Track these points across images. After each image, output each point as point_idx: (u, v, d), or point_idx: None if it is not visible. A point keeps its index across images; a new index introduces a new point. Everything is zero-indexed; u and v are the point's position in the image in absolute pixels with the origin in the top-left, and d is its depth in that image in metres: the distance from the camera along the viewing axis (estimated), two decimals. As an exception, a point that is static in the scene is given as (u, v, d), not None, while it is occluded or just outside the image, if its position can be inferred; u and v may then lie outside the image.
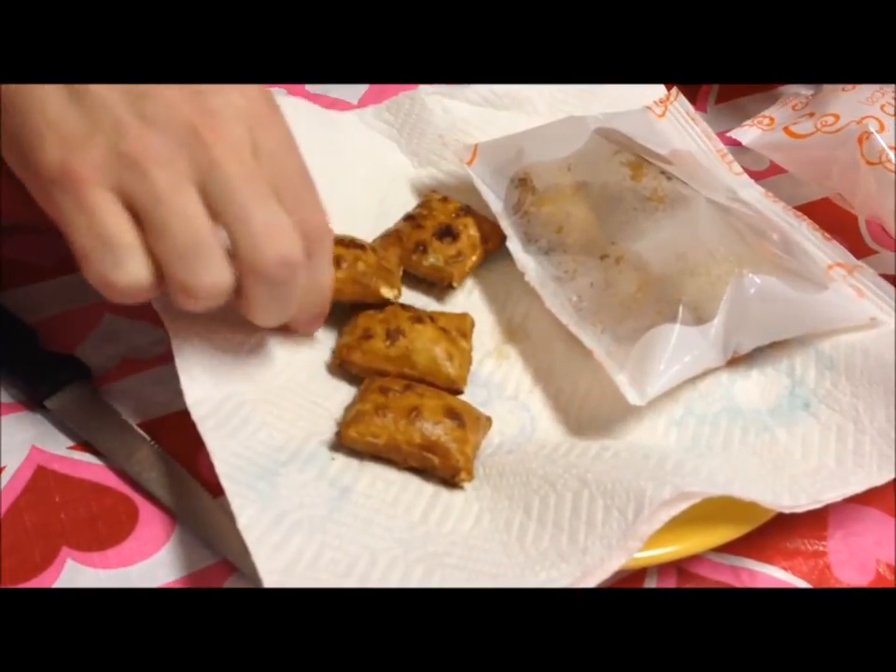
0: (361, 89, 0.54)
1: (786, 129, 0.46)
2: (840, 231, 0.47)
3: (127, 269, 0.29)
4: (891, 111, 0.45)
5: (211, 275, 0.30)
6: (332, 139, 0.45)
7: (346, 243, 0.39)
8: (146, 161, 0.28)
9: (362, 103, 0.53)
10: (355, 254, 0.38)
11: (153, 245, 0.29)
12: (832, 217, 0.48)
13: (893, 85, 0.46)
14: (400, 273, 0.40)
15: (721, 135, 0.51)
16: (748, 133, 0.48)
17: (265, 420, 0.34)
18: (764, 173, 0.49)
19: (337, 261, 0.37)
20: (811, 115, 0.47)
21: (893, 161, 0.43)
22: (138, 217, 0.29)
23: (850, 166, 0.45)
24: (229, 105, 0.30)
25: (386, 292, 0.38)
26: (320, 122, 0.46)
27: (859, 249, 0.46)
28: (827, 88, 0.49)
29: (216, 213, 0.29)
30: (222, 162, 0.29)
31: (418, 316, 0.38)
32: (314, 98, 0.53)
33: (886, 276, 0.44)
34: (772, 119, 0.48)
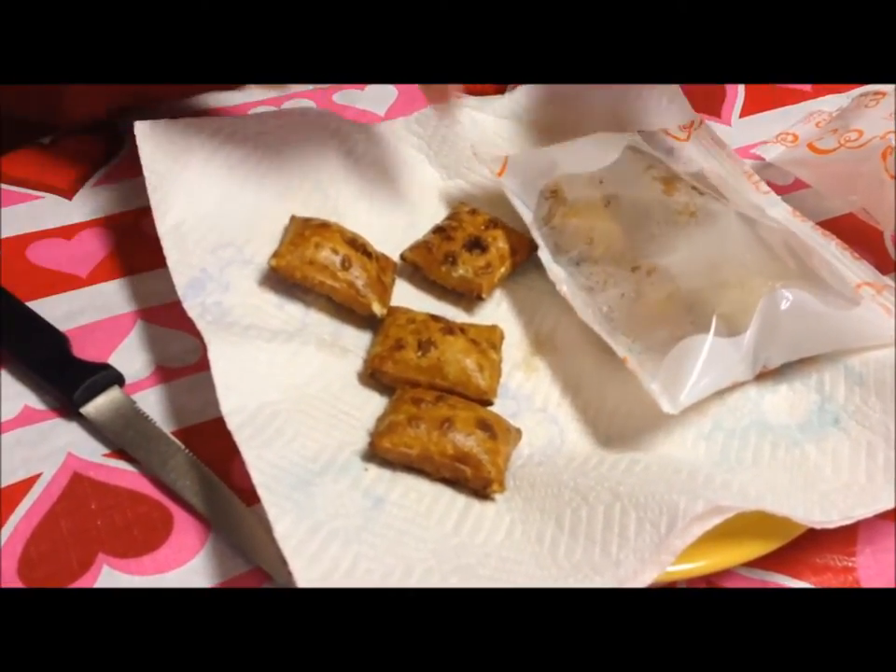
0: (389, 101, 0.54)
1: (810, 145, 0.47)
2: (866, 247, 0.47)
3: None
4: (916, 127, 0.45)
5: None
6: (362, 151, 0.45)
7: (358, 245, 0.40)
8: None
9: (389, 115, 0.53)
10: (362, 260, 0.39)
11: None
12: (857, 233, 0.48)
13: (918, 101, 0.47)
14: (391, 292, 0.41)
15: (746, 150, 0.52)
16: (772, 150, 0.48)
17: (299, 430, 0.34)
18: (789, 188, 0.50)
19: (344, 262, 0.38)
20: (835, 131, 0.47)
21: (918, 177, 0.44)
22: None
23: (875, 181, 0.45)
24: None
25: (377, 308, 0.39)
26: (348, 133, 0.46)
27: (884, 264, 0.46)
28: (851, 104, 0.49)
29: None
30: None
31: (449, 328, 0.38)
32: (340, 110, 0.53)
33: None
34: (796, 137, 0.49)
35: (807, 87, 0.58)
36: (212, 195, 0.41)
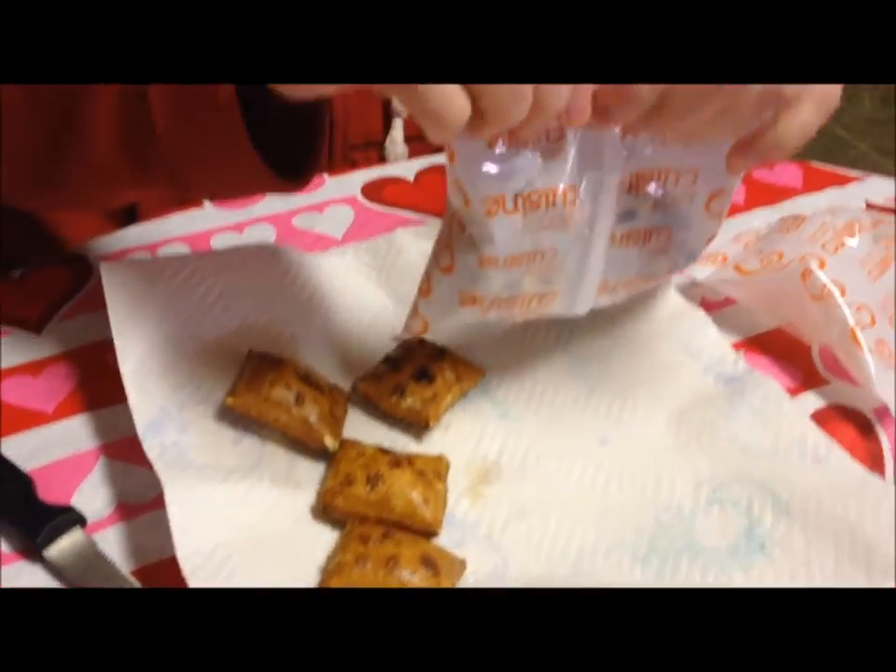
0: (346, 224, 0.57)
1: (736, 266, 0.50)
2: (794, 360, 0.50)
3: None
4: (832, 247, 0.49)
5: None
6: (315, 283, 0.48)
7: (311, 381, 0.42)
8: None
9: (347, 237, 0.56)
10: (314, 395, 0.41)
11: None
12: (786, 346, 0.51)
13: (838, 220, 0.50)
14: (343, 426, 0.42)
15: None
16: (703, 270, 0.52)
17: (252, 571, 0.36)
18: (721, 304, 0.53)
19: (298, 398, 0.40)
20: (759, 252, 0.50)
21: (835, 295, 0.47)
22: None
23: (797, 300, 0.48)
24: None
25: (329, 443, 0.41)
26: (302, 265, 0.49)
27: (813, 378, 0.49)
28: (774, 226, 0.53)
29: None
30: None
31: (396, 460, 0.40)
32: (300, 234, 0.56)
33: (838, 407, 0.48)
34: (725, 257, 0.52)
35: (740, 199, 0.62)
36: (172, 335, 0.43)
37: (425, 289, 0.41)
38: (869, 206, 0.62)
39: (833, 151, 1.73)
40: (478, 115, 0.30)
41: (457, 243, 0.39)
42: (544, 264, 0.39)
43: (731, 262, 0.51)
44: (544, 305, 0.42)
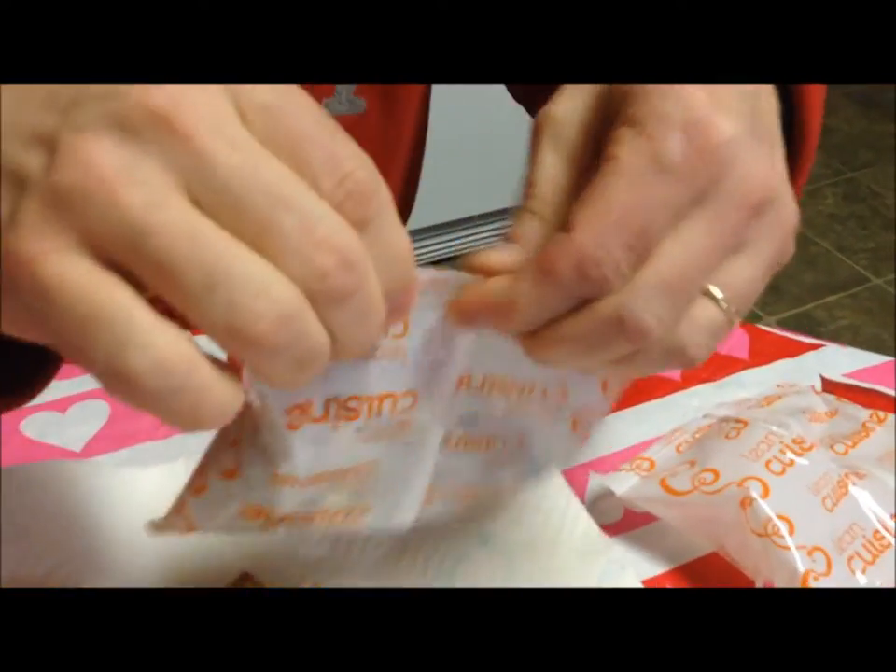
0: (88, 435, 0.46)
1: (663, 483, 0.40)
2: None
3: (150, 350, 0.20)
4: (778, 468, 0.40)
5: (273, 305, 0.20)
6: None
7: None
8: (101, 187, 0.19)
9: (86, 451, 0.45)
10: None
11: (170, 297, 0.20)
12: (725, 575, 0.41)
13: (785, 432, 0.41)
14: None
15: (597, 465, 0.45)
16: (623, 481, 0.42)
17: None
18: (646, 518, 0.43)
19: None
20: (691, 464, 0.41)
21: (783, 533, 0.38)
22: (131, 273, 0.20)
23: (737, 530, 0.39)
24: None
25: None
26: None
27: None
28: (712, 429, 0.44)
29: (231, 230, 0.21)
30: (212, 155, 0.20)
31: None
32: (28, 445, 0.45)
33: None
34: (652, 463, 0.43)
35: (676, 375, 0.53)
36: None
37: (198, 486, 0.30)
38: (825, 384, 0.54)
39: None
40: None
41: (246, 446, 0.28)
42: (357, 479, 0.29)
43: (657, 473, 0.42)
44: (352, 520, 0.32)
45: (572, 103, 0.28)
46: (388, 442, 0.29)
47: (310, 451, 0.28)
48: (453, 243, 1.63)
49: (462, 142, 1.42)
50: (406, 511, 0.32)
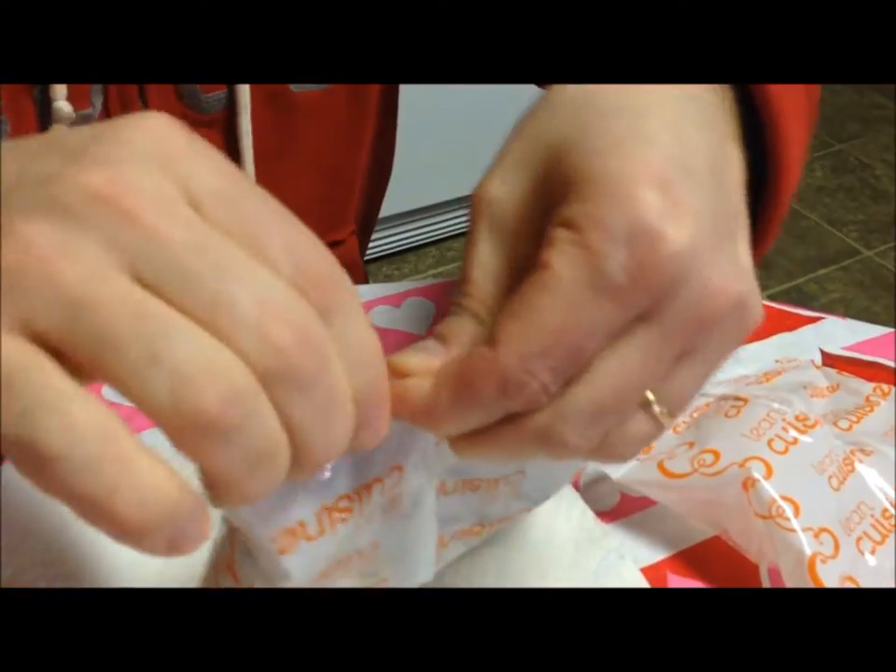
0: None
1: (660, 466, 0.39)
2: (739, 575, 0.39)
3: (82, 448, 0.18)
4: (781, 446, 0.38)
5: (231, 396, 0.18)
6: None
7: None
8: (38, 265, 0.18)
9: None
10: None
11: (110, 377, 0.18)
12: (728, 560, 0.39)
13: (787, 409, 0.40)
14: None
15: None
16: (619, 466, 0.40)
17: None
18: (644, 503, 0.41)
19: None
20: (690, 445, 0.39)
21: (788, 515, 0.36)
22: (72, 356, 0.19)
23: (740, 514, 0.37)
24: (128, 148, 0.20)
25: None
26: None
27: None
28: (711, 408, 0.42)
29: (180, 307, 0.19)
30: (158, 231, 0.19)
31: None
32: None
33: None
34: (649, 446, 0.41)
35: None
36: None
37: None
38: (825, 357, 0.52)
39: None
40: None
41: (242, 567, 0.26)
42: (363, 560, 0.27)
43: (654, 456, 0.40)
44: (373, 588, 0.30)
45: (508, 187, 0.25)
46: (384, 522, 0.27)
47: (307, 562, 0.25)
48: (427, 228, 1.60)
49: (436, 126, 1.39)
50: (423, 570, 0.30)
